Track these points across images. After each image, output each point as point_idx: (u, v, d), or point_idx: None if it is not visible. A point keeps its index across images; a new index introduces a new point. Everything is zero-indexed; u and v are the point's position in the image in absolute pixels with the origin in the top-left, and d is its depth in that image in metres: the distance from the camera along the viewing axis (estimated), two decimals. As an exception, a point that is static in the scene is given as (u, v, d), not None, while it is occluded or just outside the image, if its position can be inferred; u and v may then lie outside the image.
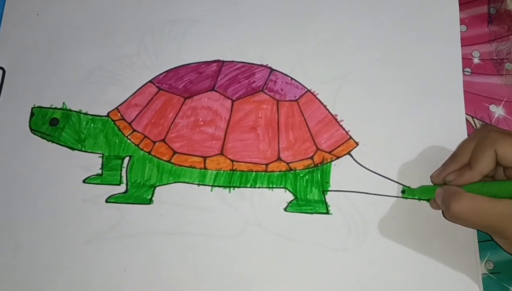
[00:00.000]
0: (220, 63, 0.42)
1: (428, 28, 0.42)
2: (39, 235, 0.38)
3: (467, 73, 0.41)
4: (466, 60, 0.42)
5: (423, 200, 0.37)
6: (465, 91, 0.40)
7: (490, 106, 0.40)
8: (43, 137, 0.41)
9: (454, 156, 0.35)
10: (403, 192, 0.37)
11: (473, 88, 0.41)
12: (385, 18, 0.42)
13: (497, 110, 0.40)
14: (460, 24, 0.42)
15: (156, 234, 0.38)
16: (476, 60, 0.42)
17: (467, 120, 0.39)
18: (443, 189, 0.34)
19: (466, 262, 0.36)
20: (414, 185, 0.37)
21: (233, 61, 0.42)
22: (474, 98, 0.41)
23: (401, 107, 0.40)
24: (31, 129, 0.41)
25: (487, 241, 0.36)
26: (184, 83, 0.42)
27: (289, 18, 0.43)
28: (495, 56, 0.42)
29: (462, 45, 0.42)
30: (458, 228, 0.36)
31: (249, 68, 0.42)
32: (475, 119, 0.40)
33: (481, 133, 0.33)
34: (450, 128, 0.39)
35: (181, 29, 0.43)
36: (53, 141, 0.41)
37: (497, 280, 0.36)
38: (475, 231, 0.37)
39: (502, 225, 0.31)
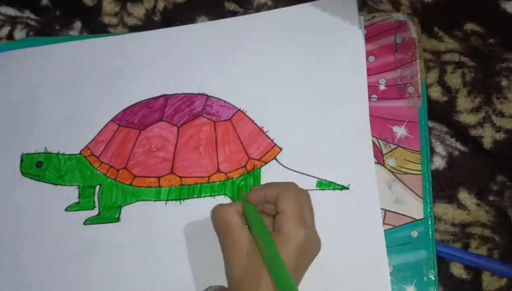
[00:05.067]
0: (166, 97, 0.50)
1: (336, 61, 0.47)
2: (32, 256, 0.46)
3: (373, 99, 0.46)
4: (373, 88, 0.46)
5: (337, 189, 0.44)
6: (371, 116, 0.45)
7: (393, 128, 0.45)
8: (32, 178, 0.49)
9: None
10: None
11: (379, 112, 0.45)
12: (297, 49, 0.48)
13: (400, 131, 0.45)
14: (369, 55, 0.47)
15: (125, 246, 0.45)
16: (382, 87, 0.46)
17: (373, 141, 0.44)
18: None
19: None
20: (329, 178, 0.44)
21: (176, 94, 0.49)
22: (379, 122, 0.45)
23: (316, 115, 0.46)
24: (22, 173, 0.49)
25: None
26: (138, 118, 0.49)
27: (220, 51, 0.50)
28: (399, 82, 0.46)
29: (370, 74, 0.46)
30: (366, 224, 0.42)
31: (189, 98, 0.49)
32: (379, 140, 0.45)
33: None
34: (355, 131, 0.45)
35: (132, 74, 0.50)
36: (40, 180, 0.49)
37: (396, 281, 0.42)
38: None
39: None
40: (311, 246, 0.38)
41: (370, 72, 0.46)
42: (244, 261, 0.37)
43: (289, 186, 0.40)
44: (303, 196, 0.40)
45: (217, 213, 0.40)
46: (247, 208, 0.41)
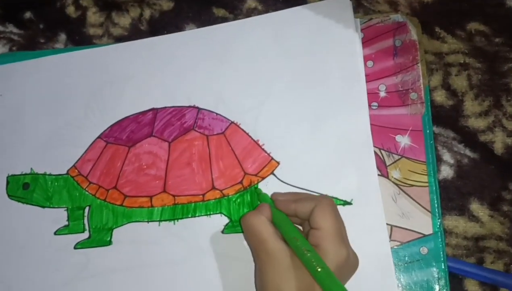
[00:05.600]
0: (155, 111, 0.47)
1: (332, 67, 0.45)
2: (21, 282, 0.45)
3: (374, 107, 0.43)
4: (373, 95, 0.44)
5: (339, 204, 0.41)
6: (372, 125, 0.43)
7: (396, 137, 0.43)
8: (19, 201, 0.47)
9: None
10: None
11: (380, 121, 0.43)
12: (290, 55, 0.46)
13: (403, 140, 0.42)
14: (367, 60, 0.44)
15: (117, 270, 0.44)
16: (382, 94, 0.44)
17: (375, 152, 0.42)
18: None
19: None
20: (330, 193, 0.42)
21: (165, 107, 0.47)
22: (381, 131, 0.43)
23: (313, 126, 0.44)
24: (9, 196, 0.47)
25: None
26: (127, 133, 0.47)
27: (208, 62, 0.48)
28: (400, 88, 0.43)
29: (369, 81, 0.44)
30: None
31: (179, 111, 0.47)
32: (382, 151, 0.43)
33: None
34: (356, 141, 0.43)
35: (118, 87, 0.49)
36: (27, 203, 0.47)
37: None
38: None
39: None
40: (351, 265, 0.36)
41: (369, 78, 0.44)
42: (284, 275, 0.34)
43: (325, 200, 0.37)
44: (338, 211, 0.37)
45: (247, 222, 0.37)
46: (277, 216, 0.38)
